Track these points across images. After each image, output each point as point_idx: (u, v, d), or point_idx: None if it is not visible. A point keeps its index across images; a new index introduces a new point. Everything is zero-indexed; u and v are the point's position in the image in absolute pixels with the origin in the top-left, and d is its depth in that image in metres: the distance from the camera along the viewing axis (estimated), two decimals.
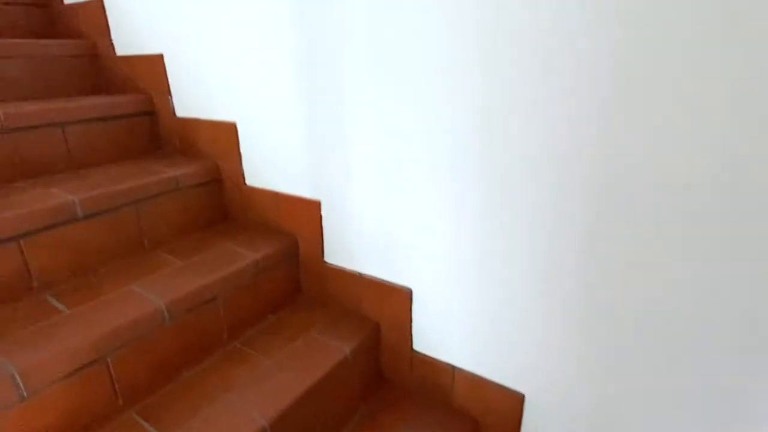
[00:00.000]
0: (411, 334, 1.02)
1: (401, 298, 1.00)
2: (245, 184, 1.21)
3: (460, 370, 0.97)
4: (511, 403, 0.91)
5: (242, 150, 1.18)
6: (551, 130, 0.71)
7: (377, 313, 1.07)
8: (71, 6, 1.44)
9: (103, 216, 1.01)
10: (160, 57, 1.25)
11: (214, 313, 0.98)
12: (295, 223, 1.15)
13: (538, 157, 0.73)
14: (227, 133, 1.18)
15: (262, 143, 1.13)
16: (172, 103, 1.29)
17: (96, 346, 0.78)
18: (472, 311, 0.91)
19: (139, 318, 0.84)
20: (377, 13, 0.82)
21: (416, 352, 1.03)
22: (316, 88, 0.96)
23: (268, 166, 1.14)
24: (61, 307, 0.85)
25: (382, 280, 1.02)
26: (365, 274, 1.05)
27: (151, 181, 1.09)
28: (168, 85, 1.27)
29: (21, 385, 0.68)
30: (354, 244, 1.05)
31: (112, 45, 1.37)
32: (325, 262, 1.12)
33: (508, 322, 0.86)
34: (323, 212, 1.08)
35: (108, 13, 1.34)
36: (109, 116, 1.24)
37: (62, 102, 1.18)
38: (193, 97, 1.23)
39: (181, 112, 1.28)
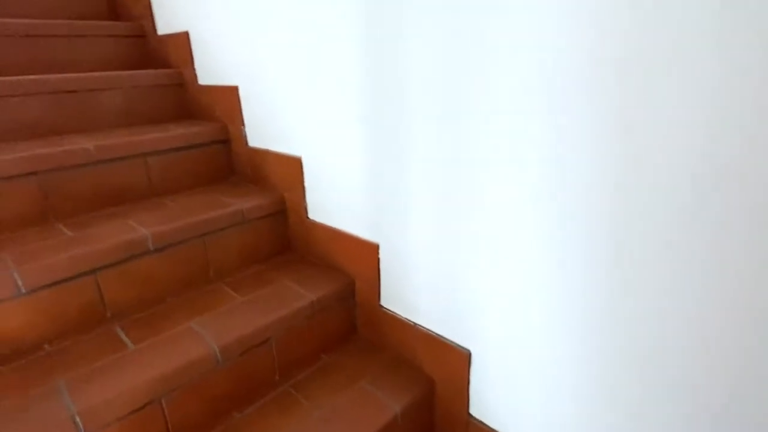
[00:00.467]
0: (468, 398, 0.94)
1: (458, 358, 0.92)
2: (308, 218, 1.20)
3: None
4: None
5: (306, 184, 1.17)
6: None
7: (432, 368, 1.00)
8: (163, 37, 1.54)
9: (172, 249, 1.05)
10: (236, 88, 1.29)
11: (267, 354, 0.98)
12: (353, 263, 1.12)
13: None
14: (293, 166, 1.18)
15: (325, 180, 1.11)
16: (245, 132, 1.32)
17: (153, 388, 0.80)
18: (543, 384, 0.80)
19: (195, 360, 0.85)
20: (445, 62, 0.76)
21: (473, 418, 0.94)
22: (381, 129, 0.91)
23: (330, 202, 1.12)
24: (127, 341, 0.89)
25: (439, 336, 0.95)
26: (421, 326, 0.99)
27: (219, 214, 1.12)
28: (242, 116, 1.31)
29: (81, 427, 0.72)
30: (410, 293, 0.99)
31: (195, 74, 1.44)
32: (381, 306, 1.07)
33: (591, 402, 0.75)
34: (381, 255, 1.03)
35: (192, 43, 1.42)
36: (188, 145, 1.30)
37: (147, 133, 1.25)
38: (264, 128, 1.25)
39: (253, 142, 1.31)
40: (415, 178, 0.88)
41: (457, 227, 0.84)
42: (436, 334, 0.96)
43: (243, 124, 1.31)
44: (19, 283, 0.84)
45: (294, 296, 1.04)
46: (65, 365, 0.83)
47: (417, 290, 0.97)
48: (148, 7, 1.55)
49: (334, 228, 1.13)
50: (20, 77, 1.18)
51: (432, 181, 0.85)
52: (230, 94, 1.31)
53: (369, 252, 1.05)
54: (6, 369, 0.82)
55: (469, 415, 0.95)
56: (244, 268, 1.20)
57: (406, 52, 0.82)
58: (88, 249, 0.93)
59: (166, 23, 1.52)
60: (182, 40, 1.43)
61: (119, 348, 0.87)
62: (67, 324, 0.92)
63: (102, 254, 0.94)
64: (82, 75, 1.29)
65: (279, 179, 1.25)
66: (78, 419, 0.71)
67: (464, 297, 0.88)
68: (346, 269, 1.14)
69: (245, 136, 1.32)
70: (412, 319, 1.01)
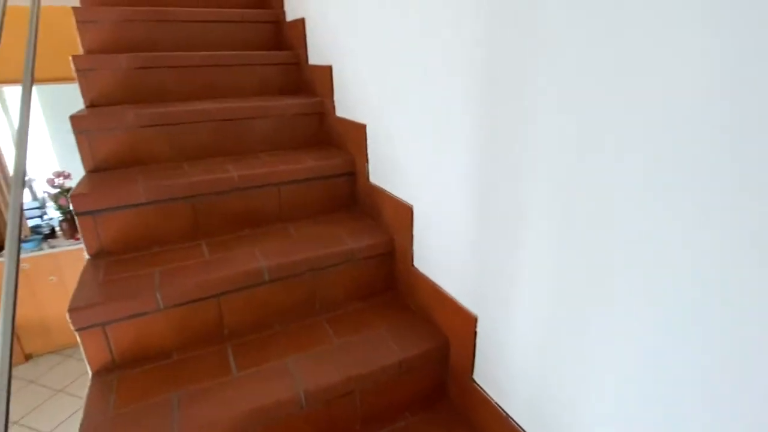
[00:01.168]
0: None
1: None
2: (413, 265, 1.18)
3: None
4: None
5: (414, 233, 1.15)
6: None
7: None
8: (312, 67, 1.66)
9: (285, 280, 1.14)
10: (364, 126, 1.32)
11: (350, 406, 0.99)
12: (449, 326, 1.06)
13: None
14: (404, 212, 1.16)
15: (432, 236, 1.07)
16: (368, 169, 1.35)
17: (243, 421, 0.88)
18: None
19: (282, 401, 0.90)
20: (572, 146, 0.65)
21: None
22: (490, 189, 0.84)
23: (435, 258, 1.08)
24: (233, 366, 1.00)
25: None
26: (511, 417, 0.89)
27: (333, 252, 1.17)
28: (367, 152, 1.34)
29: None
30: (503, 378, 0.90)
31: (334, 106, 1.52)
32: (474, 380, 1.00)
33: None
34: (479, 329, 0.95)
35: (334, 75, 1.49)
36: (318, 176, 1.38)
37: (285, 163, 1.37)
38: (384, 169, 1.26)
39: (374, 178, 1.34)
40: (527, 260, 0.79)
41: (568, 319, 0.73)
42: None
43: (367, 161, 1.34)
44: (159, 300, 1.00)
45: (386, 350, 1.04)
46: (181, 379, 0.96)
47: (512, 378, 0.88)
48: (303, 38, 1.69)
49: (436, 284, 1.08)
50: (190, 108, 1.39)
51: (546, 267, 0.75)
52: (359, 130, 1.34)
53: (466, 321, 0.98)
54: (138, 372, 0.99)
55: None
56: (347, 303, 1.23)
57: (526, 134, 0.73)
58: (217, 275, 1.06)
59: (316, 54, 1.63)
60: (326, 73, 1.52)
61: (225, 372, 0.98)
62: (191, 337, 1.06)
63: (227, 281, 1.07)
64: (241, 105, 1.46)
65: (391, 220, 1.25)
66: None
67: (563, 396, 0.76)
68: (443, 328, 1.09)
69: (368, 172, 1.36)
70: (502, 406, 0.92)
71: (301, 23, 1.68)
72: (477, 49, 0.80)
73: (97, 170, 1.32)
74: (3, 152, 3.17)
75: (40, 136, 3.59)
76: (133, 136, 1.34)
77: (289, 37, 1.85)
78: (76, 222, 1.12)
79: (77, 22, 1.59)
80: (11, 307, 0.76)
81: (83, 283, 1.03)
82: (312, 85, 1.69)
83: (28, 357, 3.23)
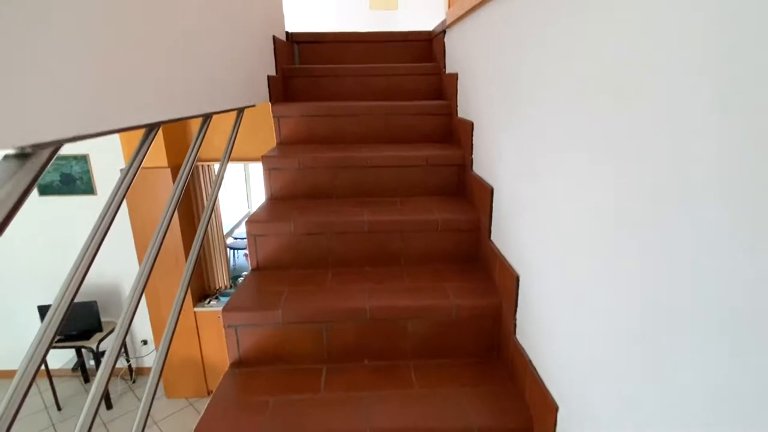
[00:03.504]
0: None
1: None
2: (515, 336, 1.12)
3: None
4: None
5: (518, 317, 1.09)
6: None
7: None
8: (459, 120, 1.73)
9: (382, 321, 1.22)
10: (490, 190, 1.32)
11: None
12: (539, 418, 0.97)
13: None
14: (511, 280, 1.12)
15: (544, 330, 1.00)
16: (491, 228, 1.34)
17: None
18: None
19: None
20: None
21: None
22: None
23: (536, 347, 1.01)
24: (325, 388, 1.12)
25: None
26: None
27: (433, 305, 1.21)
28: (491, 211, 1.33)
29: None
30: None
31: (471, 161, 1.56)
32: None
33: None
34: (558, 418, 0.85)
35: (474, 134, 1.53)
36: (445, 228, 1.43)
37: (414, 213, 1.47)
38: (502, 229, 1.23)
39: (494, 238, 1.32)
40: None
41: None
42: None
43: (490, 221, 1.33)
44: (279, 317, 1.19)
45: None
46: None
47: None
48: (455, 95, 1.78)
49: (534, 367, 1.01)
50: (368, 155, 1.62)
51: None
52: (486, 194, 1.34)
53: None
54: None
55: None
56: (439, 357, 1.24)
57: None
58: (327, 305, 1.20)
59: (462, 109, 1.70)
60: (468, 127, 1.57)
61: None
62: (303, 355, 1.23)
63: (333, 313, 1.20)
64: (399, 154, 1.63)
65: (501, 285, 1.21)
66: None
67: None
68: (533, 411, 1.00)
69: (490, 231, 1.34)
70: None
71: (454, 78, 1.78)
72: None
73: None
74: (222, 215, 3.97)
75: None
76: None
77: (448, 90, 1.97)
78: None
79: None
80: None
81: None
82: (458, 135, 1.76)
83: (210, 392, 3.99)
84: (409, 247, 1.45)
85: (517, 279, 1.08)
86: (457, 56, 1.81)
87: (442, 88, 2.07)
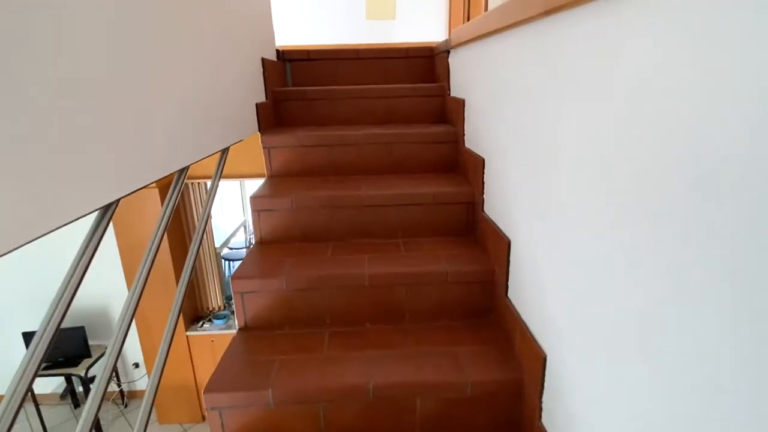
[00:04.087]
0: None
1: None
2: (539, 422, 0.97)
3: None
4: None
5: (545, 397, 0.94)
6: None
7: None
8: (467, 150, 1.57)
9: (386, 399, 1.06)
10: (508, 243, 1.17)
11: None
12: None
13: None
14: (537, 360, 0.97)
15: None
16: (507, 284, 1.19)
17: None
18: None
19: None
20: None
21: None
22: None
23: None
24: None
25: None
26: None
27: (444, 382, 1.06)
28: (508, 267, 1.18)
29: None
30: None
31: (483, 201, 1.40)
32: None
33: None
34: None
35: (485, 173, 1.37)
36: (454, 282, 1.28)
37: (422, 264, 1.32)
38: (521, 288, 1.08)
39: (511, 294, 1.17)
40: None
41: None
42: None
43: (507, 276, 1.18)
44: (269, 398, 1.03)
45: None
46: None
47: None
48: (462, 121, 1.62)
49: None
50: (369, 194, 1.46)
51: None
52: (502, 245, 1.19)
53: None
54: None
55: None
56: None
57: None
58: (322, 384, 1.05)
59: (470, 139, 1.55)
60: (478, 162, 1.41)
61: None
62: None
63: (328, 392, 1.05)
64: (403, 192, 1.48)
65: (524, 359, 1.06)
66: None
67: None
68: None
69: (507, 287, 1.19)
70: None
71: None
72: None
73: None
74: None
75: None
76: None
77: (454, 120, 1.82)
78: None
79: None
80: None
81: None
82: (465, 169, 1.60)
83: (204, 418, 3.84)
84: (415, 301, 1.30)
85: (544, 359, 0.94)
86: (463, 80, 1.65)
87: (446, 110, 1.91)
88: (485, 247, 1.36)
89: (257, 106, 1.66)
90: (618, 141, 0.65)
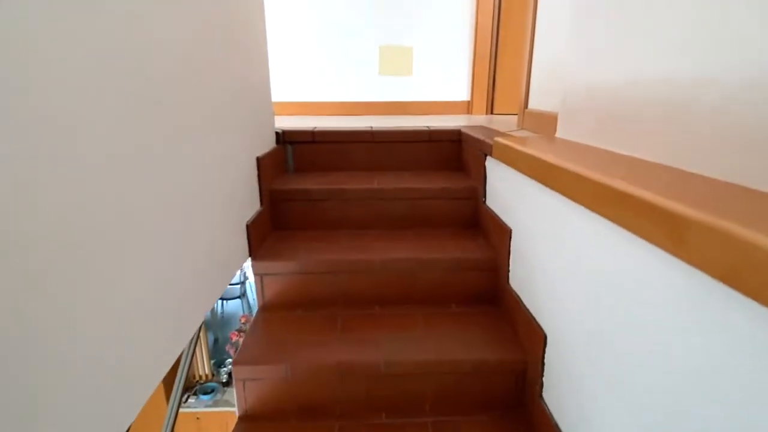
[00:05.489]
0: None
1: None
2: None
3: None
4: None
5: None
6: None
7: None
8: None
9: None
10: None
11: None
12: None
13: None
14: None
15: None
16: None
17: None
18: None
19: None
20: None
21: None
22: None
23: None
24: None
25: None
26: None
27: None
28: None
29: None
30: None
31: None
32: None
33: None
34: None
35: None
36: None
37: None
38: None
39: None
40: None
41: None
42: None
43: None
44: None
45: None
46: None
47: None
48: (507, 255, 1.28)
49: None
50: (389, 359, 1.11)
51: None
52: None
53: None
54: None
55: None
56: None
57: None
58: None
59: (518, 284, 1.20)
60: (536, 334, 1.07)
61: None
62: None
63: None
64: (439, 359, 1.13)
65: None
66: None
67: None
68: None
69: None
70: None
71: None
72: None
73: None
74: None
75: None
76: None
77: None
78: None
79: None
80: None
81: None
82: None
83: None
84: None
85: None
86: (505, 200, 1.31)
87: (480, 219, 1.57)
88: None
89: (248, 227, 1.32)
90: None
